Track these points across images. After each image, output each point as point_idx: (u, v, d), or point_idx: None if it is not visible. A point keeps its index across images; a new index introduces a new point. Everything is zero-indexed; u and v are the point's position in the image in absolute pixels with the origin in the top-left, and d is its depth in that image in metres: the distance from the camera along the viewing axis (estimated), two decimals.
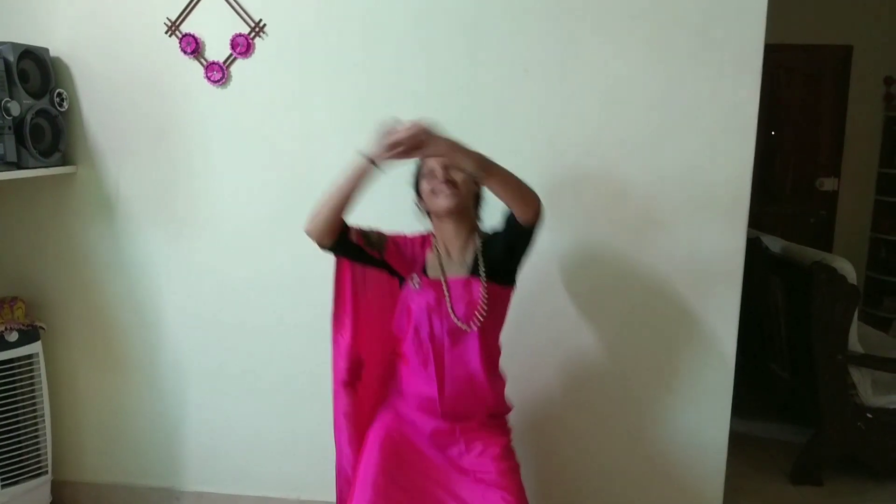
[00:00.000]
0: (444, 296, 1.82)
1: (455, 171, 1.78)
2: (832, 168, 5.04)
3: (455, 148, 1.64)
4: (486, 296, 1.80)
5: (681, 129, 2.25)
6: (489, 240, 1.88)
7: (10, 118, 2.26)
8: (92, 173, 2.54)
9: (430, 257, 1.90)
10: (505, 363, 1.95)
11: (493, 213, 1.89)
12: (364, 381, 1.99)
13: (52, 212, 2.60)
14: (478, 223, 1.92)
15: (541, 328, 2.38)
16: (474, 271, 1.83)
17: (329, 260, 1.93)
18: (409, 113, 2.31)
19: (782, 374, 3.42)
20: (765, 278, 3.35)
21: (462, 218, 1.86)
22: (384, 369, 2.00)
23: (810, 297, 2.85)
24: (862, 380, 2.88)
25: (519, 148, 2.31)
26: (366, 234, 1.87)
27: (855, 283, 2.79)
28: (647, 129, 2.26)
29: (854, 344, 2.87)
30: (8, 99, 2.25)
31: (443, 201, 1.79)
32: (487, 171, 1.66)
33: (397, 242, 1.92)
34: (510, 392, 1.98)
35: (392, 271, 1.91)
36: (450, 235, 1.88)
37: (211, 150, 2.47)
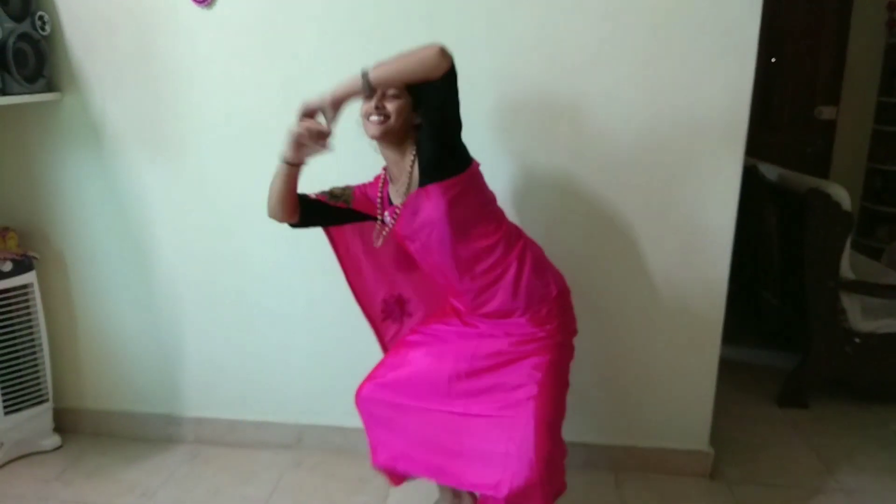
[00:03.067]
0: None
1: (388, 99, 1.74)
2: (831, 97, 4.97)
3: (337, 90, 1.71)
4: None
5: (680, 50, 2.20)
6: (420, 144, 1.81)
7: None
8: (77, 99, 2.49)
9: (389, 188, 1.92)
10: None
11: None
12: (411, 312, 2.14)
13: (38, 139, 2.55)
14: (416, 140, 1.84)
15: None
16: (422, 183, 1.80)
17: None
18: (399, 30, 2.27)
19: (773, 302, 3.46)
20: (760, 206, 3.35)
21: (399, 141, 1.82)
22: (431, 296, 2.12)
23: (804, 224, 2.85)
24: (852, 306, 2.92)
25: (514, 67, 2.26)
26: (329, 192, 1.94)
27: (849, 209, 2.79)
28: (645, 50, 2.21)
29: (846, 270, 2.89)
30: None
31: (370, 129, 1.78)
32: (377, 79, 1.68)
33: (364, 188, 1.97)
34: None
35: (369, 217, 1.95)
36: (392, 161, 1.86)
37: (196, 73, 2.41)
